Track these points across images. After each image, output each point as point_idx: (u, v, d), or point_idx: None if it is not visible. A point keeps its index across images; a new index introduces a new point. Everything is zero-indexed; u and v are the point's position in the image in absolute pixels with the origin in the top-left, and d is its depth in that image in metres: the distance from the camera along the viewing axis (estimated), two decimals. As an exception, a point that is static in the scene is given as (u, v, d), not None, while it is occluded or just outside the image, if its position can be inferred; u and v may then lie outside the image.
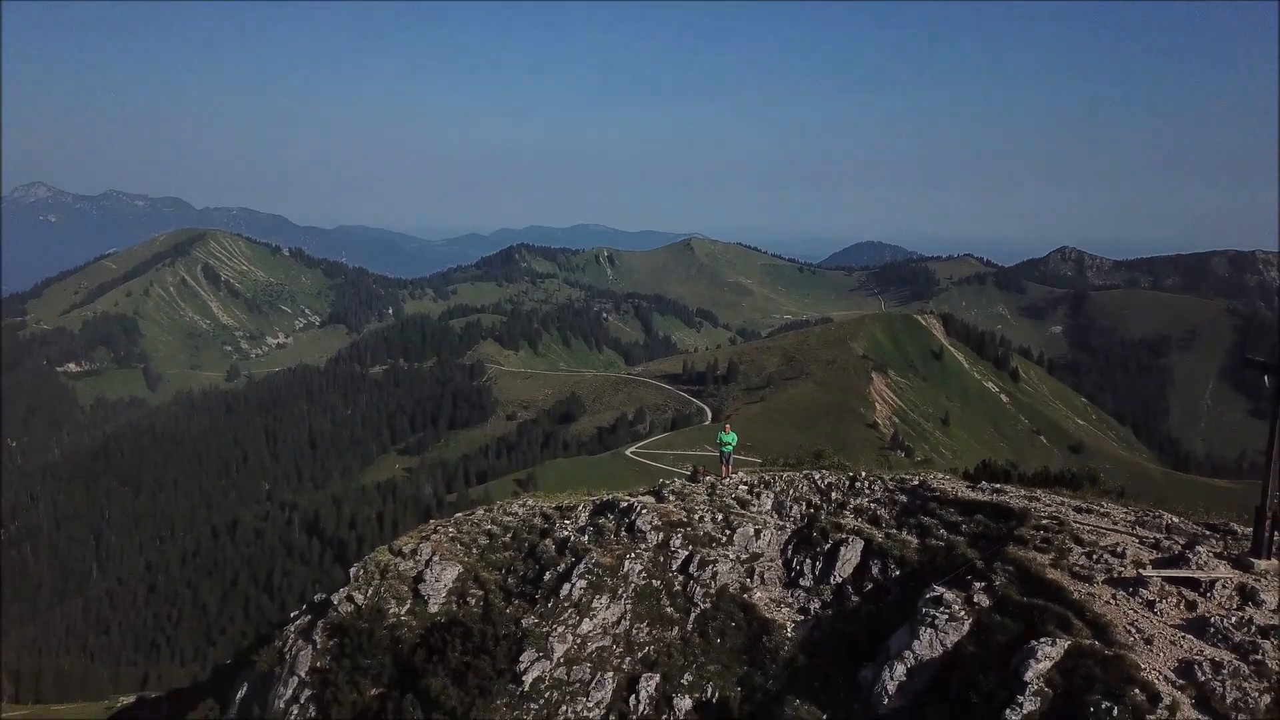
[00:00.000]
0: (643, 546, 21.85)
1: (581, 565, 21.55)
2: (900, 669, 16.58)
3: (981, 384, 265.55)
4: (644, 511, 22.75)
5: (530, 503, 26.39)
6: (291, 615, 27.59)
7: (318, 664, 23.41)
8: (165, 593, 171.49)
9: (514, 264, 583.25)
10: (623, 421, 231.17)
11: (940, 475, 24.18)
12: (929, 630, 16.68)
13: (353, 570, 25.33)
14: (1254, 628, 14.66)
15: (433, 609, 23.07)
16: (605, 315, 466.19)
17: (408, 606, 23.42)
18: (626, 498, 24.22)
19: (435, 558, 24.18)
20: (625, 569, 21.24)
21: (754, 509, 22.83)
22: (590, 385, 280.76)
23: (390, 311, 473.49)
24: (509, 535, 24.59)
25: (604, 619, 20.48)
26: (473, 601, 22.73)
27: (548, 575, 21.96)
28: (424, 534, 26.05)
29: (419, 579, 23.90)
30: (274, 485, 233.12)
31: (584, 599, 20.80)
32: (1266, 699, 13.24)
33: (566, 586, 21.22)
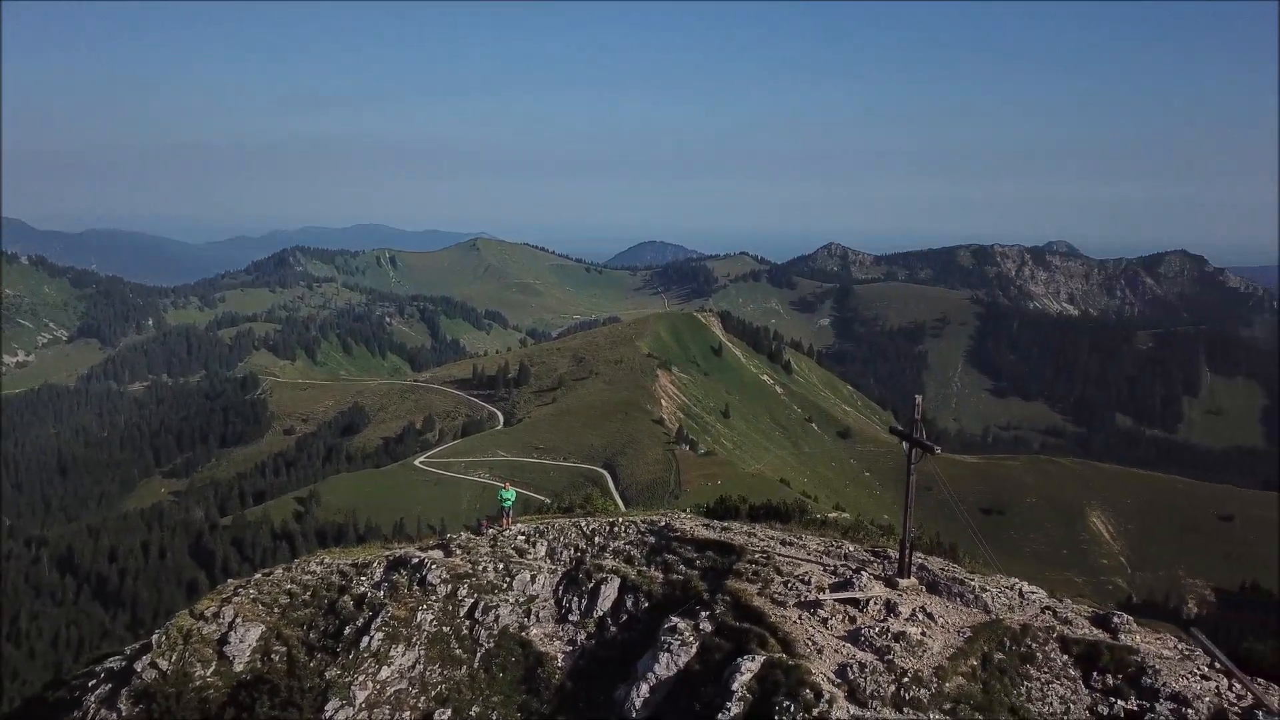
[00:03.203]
0: (433, 598, 25.10)
1: (379, 618, 24.53)
2: (645, 687, 20.85)
3: (758, 377, 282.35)
4: (433, 566, 25.99)
5: (328, 560, 28.81)
6: (89, 685, 28.59)
7: (125, 731, 24.95)
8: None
9: (288, 267, 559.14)
10: (411, 430, 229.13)
11: (682, 515, 28.89)
12: (666, 654, 21.06)
13: (155, 637, 26.87)
14: (890, 634, 19.93)
15: (238, 668, 25.21)
16: (389, 320, 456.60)
17: (213, 668, 25.41)
18: (418, 553, 27.31)
19: (238, 619, 26.27)
20: (418, 619, 24.44)
21: (530, 556, 26.61)
22: (375, 394, 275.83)
23: (151, 322, 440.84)
24: (309, 593, 27.04)
25: (400, 665, 23.59)
26: (277, 658, 25.10)
27: (348, 629, 24.74)
28: (224, 596, 27.93)
29: (223, 641, 25.92)
30: (17, 519, 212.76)
31: (382, 649, 23.83)
32: (893, 688, 18.40)
33: (366, 639, 24.15)
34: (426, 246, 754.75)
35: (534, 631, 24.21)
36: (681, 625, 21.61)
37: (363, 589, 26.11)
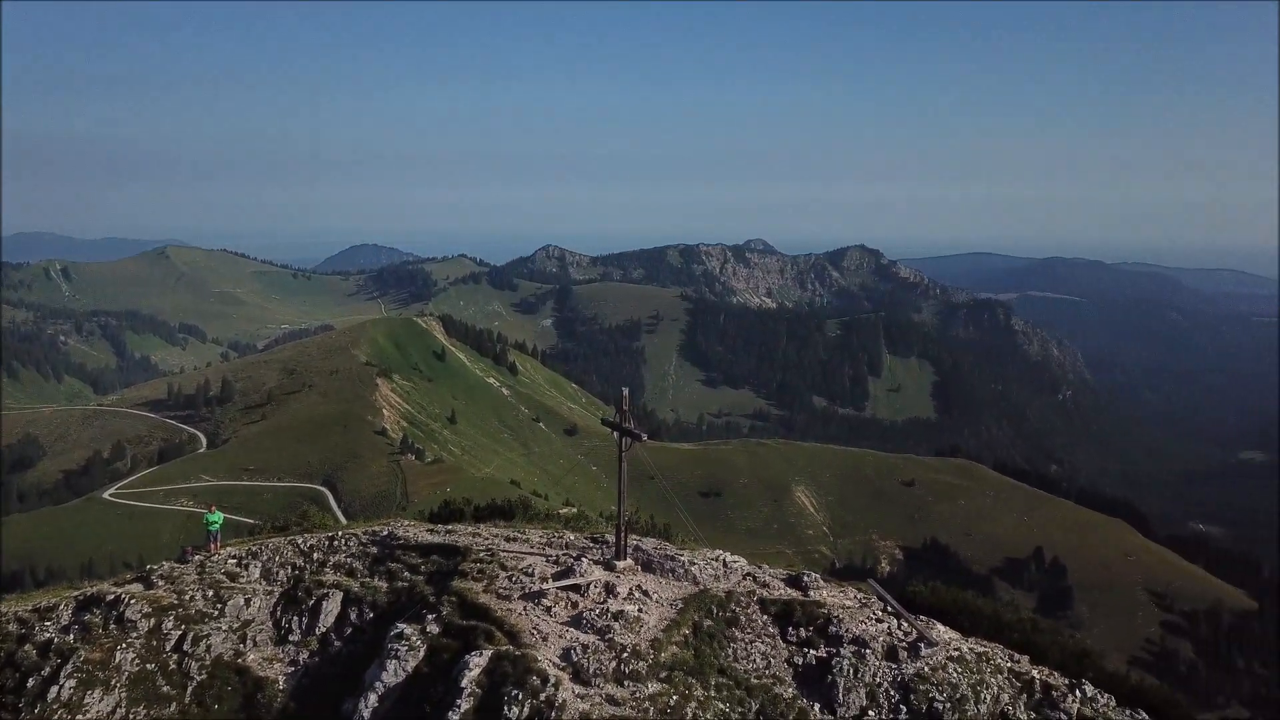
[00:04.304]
0: (134, 635, 23.23)
1: (69, 665, 22.34)
2: (373, 697, 20.66)
3: (483, 380, 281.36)
4: (132, 601, 24.04)
5: (2, 610, 25.78)
6: None
7: None
8: None
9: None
10: (97, 460, 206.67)
11: (406, 523, 28.71)
12: (394, 661, 20.97)
13: None
14: (610, 613, 21.12)
15: (-105, 743, 22.09)
16: (63, 338, 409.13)
17: None
18: (113, 589, 25.11)
19: (-109, 688, 22.94)
20: (117, 659, 22.54)
21: (244, 580, 25.32)
22: (50, 422, 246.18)
23: None
24: (-19, 648, 24.09)
25: (99, 711, 21.66)
26: (-56, 726, 22.23)
27: (31, 681, 22.34)
28: None
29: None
30: None
31: (74, 697, 21.75)
32: (614, 664, 19.54)
33: (54, 688, 21.93)
34: (105, 256, 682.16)
35: (251, 657, 23.15)
36: (408, 631, 21.60)
37: (47, 635, 23.66)
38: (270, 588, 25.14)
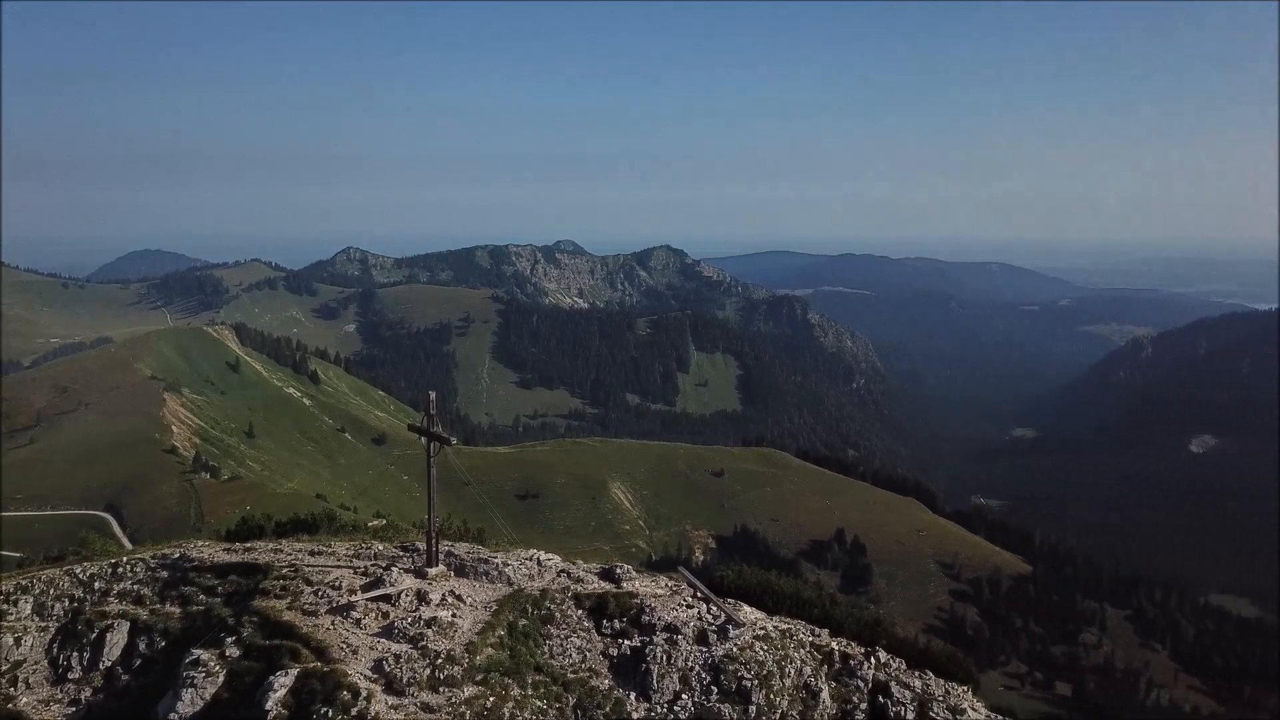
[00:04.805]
0: (-121, 689, 20.78)
1: None
2: (168, 731, 19.35)
3: (283, 390, 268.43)
4: (-124, 651, 21.47)
5: None
6: None
7: None
8: None
9: None
10: None
11: (200, 543, 27.03)
12: (189, 690, 19.73)
13: None
14: (423, 621, 20.75)
15: None
16: None
17: None
18: None
19: None
20: None
21: (13, 617, 23.10)
22: None
23: None
24: None
25: None
26: None
27: None
28: None
29: None
30: None
31: None
32: (428, 671, 19.22)
33: None
34: None
35: (24, 700, 21.17)
36: (205, 656, 20.40)
37: None
38: (44, 623, 23.06)
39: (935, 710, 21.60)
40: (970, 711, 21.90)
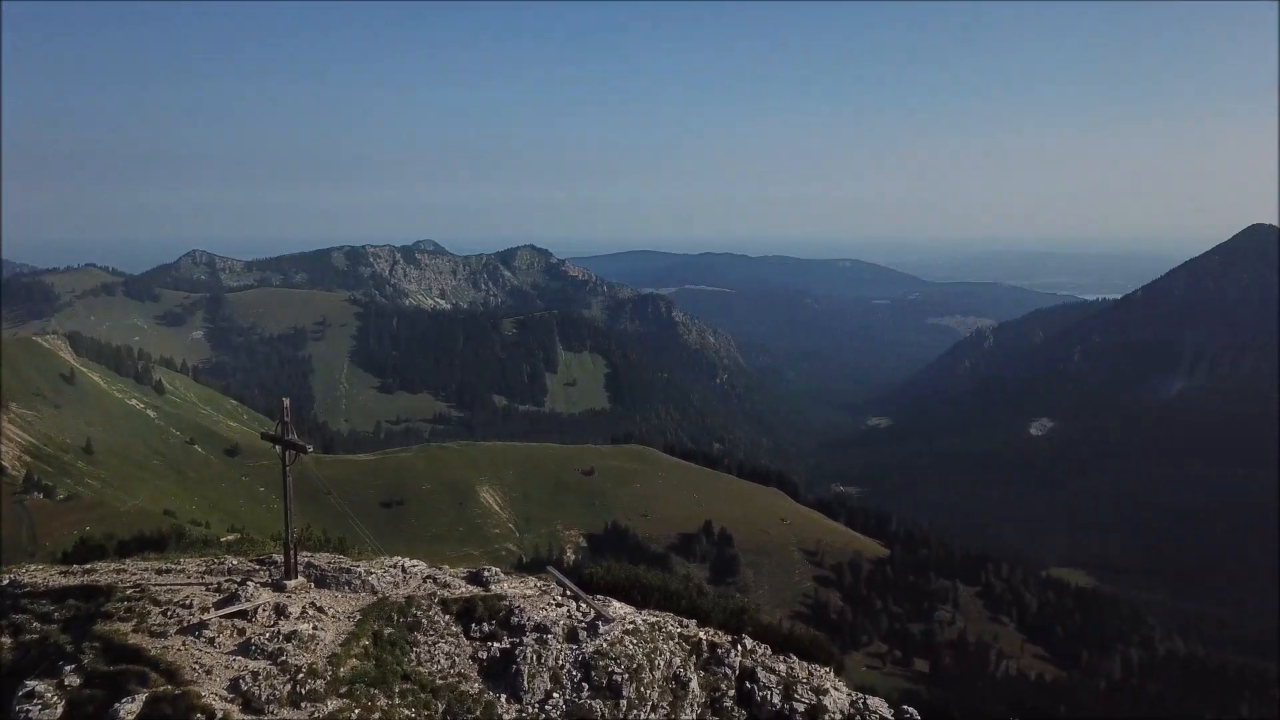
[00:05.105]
0: None
1: None
2: (0, 770, 18.00)
3: (124, 402, 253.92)
4: None
5: None
6: None
7: None
8: None
9: None
10: None
11: (33, 568, 25.19)
12: (24, 725, 18.40)
13: None
14: (282, 635, 20.01)
15: None
16: None
17: None
18: None
19: None
20: None
21: None
22: None
23: None
24: None
25: None
26: None
27: None
28: None
29: None
30: None
31: None
32: (288, 687, 18.55)
33: None
34: None
35: None
36: (41, 687, 19.04)
37: None
38: None
39: (799, 692, 22.31)
40: (833, 691, 22.72)
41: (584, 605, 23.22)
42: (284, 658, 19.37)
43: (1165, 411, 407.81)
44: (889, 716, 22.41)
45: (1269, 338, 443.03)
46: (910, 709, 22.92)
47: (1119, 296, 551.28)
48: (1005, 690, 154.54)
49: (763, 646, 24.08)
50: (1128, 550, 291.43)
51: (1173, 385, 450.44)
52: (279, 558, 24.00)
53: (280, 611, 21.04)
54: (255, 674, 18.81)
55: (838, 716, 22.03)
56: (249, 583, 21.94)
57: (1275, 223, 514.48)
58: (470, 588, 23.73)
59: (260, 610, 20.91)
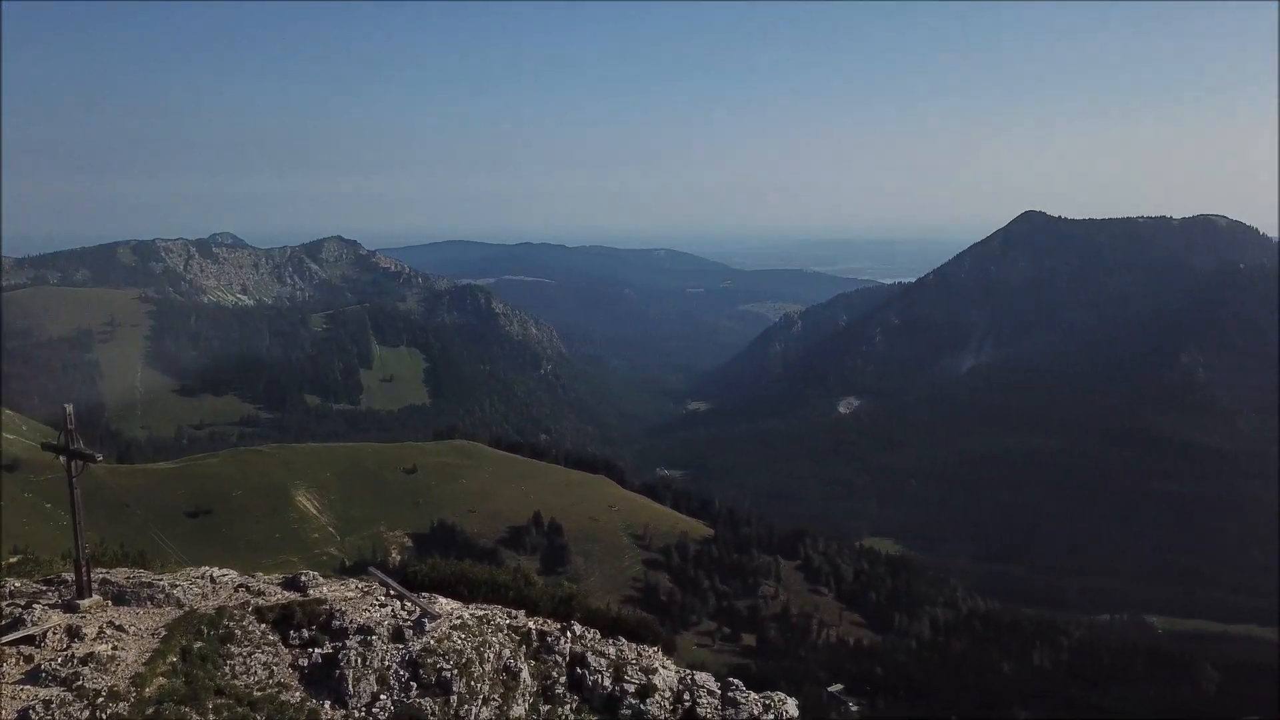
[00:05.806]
0: None
1: None
2: None
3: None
4: None
5: None
6: None
7: None
8: None
9: None
10: None
11: None
12: None
13: None
14: (77, 659, 18.53)
15: None
16: None
17: None
18: None
19: None
20: None
21: None
22: None
23: None
24: None
25: None
26: None
27: None
28: None
29: None
30: None
31: None
32: (87, 713, 17.22)
33: None
34: None
35: None
36: None
37: None
38: None
39: (630, 673, 22.73)
40: (662, 670, 23.27)
41: (409, 604, 22.75)
42: (80, 682, 17.94)
43: (957, 388, 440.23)
44: (716, 690, 23.17)
45: (1045, 315, 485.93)
46: (736, 680, 23.79)
47: (913, 280, 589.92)
48: (827, 657, 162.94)
49: (592, 631, 24.35)
50: (931, 518, 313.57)
51: (964, 362, 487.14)
52: (70, 576, 22.19)
53: (74, 633, 19.47)
54: (47, 702, 17.35)
55: (667, 694, 22.59)
56: (35, 605, 20.16)
57: (1046, 210, 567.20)
58: (287, 594, 22.77)
59: (50, 634, 19.28)
